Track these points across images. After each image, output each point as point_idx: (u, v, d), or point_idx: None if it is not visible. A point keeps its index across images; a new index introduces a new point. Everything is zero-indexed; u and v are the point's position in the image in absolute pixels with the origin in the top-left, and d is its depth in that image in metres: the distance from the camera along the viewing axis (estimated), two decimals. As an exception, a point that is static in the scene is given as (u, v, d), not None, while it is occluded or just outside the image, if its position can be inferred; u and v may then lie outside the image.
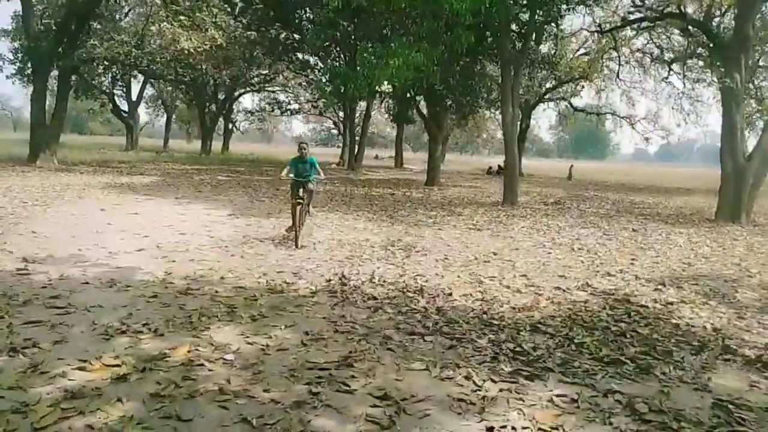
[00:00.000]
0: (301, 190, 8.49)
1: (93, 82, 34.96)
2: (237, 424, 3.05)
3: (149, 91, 47.88)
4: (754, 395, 3.73)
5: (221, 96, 42.92)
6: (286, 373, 3.75)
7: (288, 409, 3.23)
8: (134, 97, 42.07)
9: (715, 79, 19.37)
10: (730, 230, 12.77)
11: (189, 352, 4.02)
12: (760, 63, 22.54)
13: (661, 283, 7.05)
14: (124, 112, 41.82)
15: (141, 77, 39.42)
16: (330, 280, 6.40)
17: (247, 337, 4.41)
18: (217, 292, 5.66)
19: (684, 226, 13.38)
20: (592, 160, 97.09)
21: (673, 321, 5.39)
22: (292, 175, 8.58)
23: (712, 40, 16.55)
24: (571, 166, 38.64)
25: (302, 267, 7.02)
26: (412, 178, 28.49)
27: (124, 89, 41.94)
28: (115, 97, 41.23)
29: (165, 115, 51.80)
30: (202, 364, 3.81)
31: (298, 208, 8.34)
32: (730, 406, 3.49)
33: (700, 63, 23.24)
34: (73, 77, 25.32)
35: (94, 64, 26.38)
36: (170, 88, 44.28)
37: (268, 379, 3.63)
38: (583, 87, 33.95)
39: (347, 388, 3.56)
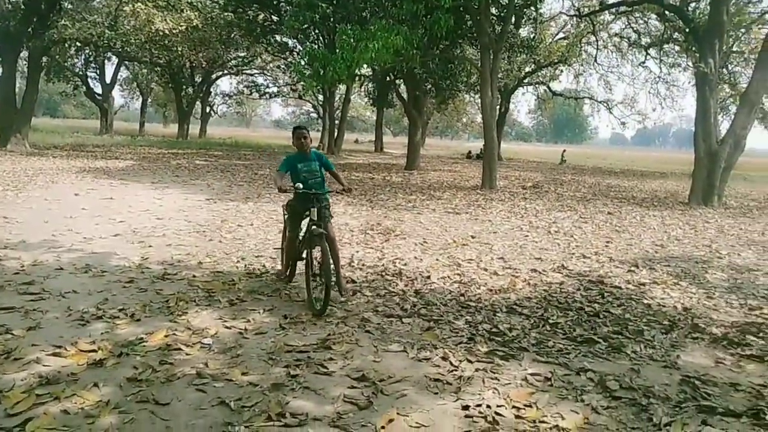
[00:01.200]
0: (311, 209, 4.82)
1: (65, 63, 34.06)
2: (215, 406, 3.06)
3: (124, 73, 46.84)
4: (720, 371, 3.85)
5: (198, 79, 42.20)
6: (264, 357, 3.76)
7: (266, 392, 3.25)
8: (108, 80, 41.16)
9: (691, 64, 19.65)
10: (702, 213, 13.06)
11: (166, 336, 4.01)
12: (734, 49, 22.87)
13: (635, 264, 7.20)
14: (98, 94, 40.90)
15: (115, 59, 38.51)
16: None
17: (225, 321, 4.41)
18: (194, 276, 5.63)
19: (658, 209, 13.63)
20: (571, 145, 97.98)
21: (645, 301, 5.52)
22: (299, 185, 4.90)
23: (688, 26, 16.72)
24: (564, 150, 38.94)
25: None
26: (392, 162, 28.47)
27: (98, 71, 40.95)
28: (89, 80, 40.28)
29: (140, 98, 50.73)
30: (179, 349, 3.80)
31: (316, 244, 4.76)
32: (697, 382, 3.61)
33: (677, 48, 23.47)
34: (44, 59, 24.57)
35: (66, 45, 25.67)
36: (145, 71, 43.38)
37: (247, 363, 3.65)
38: (561, 71, 34.16)
39: (325, 370, 3.59)
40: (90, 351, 3.69)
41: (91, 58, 37.51)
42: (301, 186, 4.88)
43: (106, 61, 39.44)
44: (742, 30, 20.74)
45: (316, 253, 4.80)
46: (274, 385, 3.33)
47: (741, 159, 15.92)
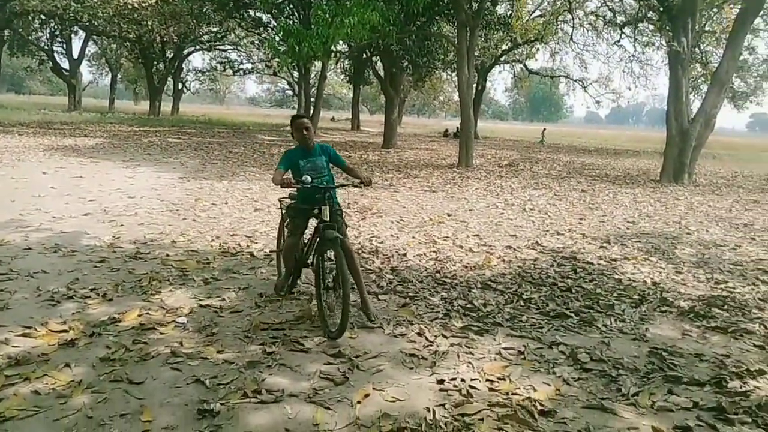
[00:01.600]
0: (322, 208, 3.87)
1: (29, 37, 32.85)
2: (190, 384, 3.05)
3: (92, 48, 45.49)
4: (686, 343, 3.98)
5: (169, 54, 41.15)
6: (239, 335, 3.75)
7: (242, 369, 3.25)
8: (76, 55, 39.82)
9: (664, 43, 19.84)
10: (673, 190, 13.33)
11: (139, 316, 3.97)
12: (706, 28, 23.13)
13: (607, 240, 7.34)
14: (65, 70, 39.59)
15: (82, 33, 37.28)
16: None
17: (200, 300, 4.37)
18: (168, 255, 5.56)
19: (630, 186, 13.87)
20: (547, 123, 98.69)
21: (616, 276, 5.64)
22: (307, 177, 3.96)
23: (662, 4, 16.83)
24: (544, 129, 39.11)
25: (256, 230, 6.96)
26: (368, 140, 28.34)
27: (65, 46, 39.61)
28: (55, 55, 38.95)
29: (110, 74, 49.33)
30: (153, 328, 3.77)
31: (329, 249, 3.83)
32: (664, 354, 3.72)
33: (651, 27, 23.64)
34: (6, 32, 23.67)
35: (30, 17, 24.75)
36: (114, 46, 42.17)
37: (222, 341, 3.63)
38: (537, 49, 34.19)
39: (301, 347, 3.60)
40: (61, 331, 3.63)
41: (57, 32, 36.26)
42: (309, 179, 3.91)
43: (72, 35, 38.13)
44: (714, 9, 20.96)
45: (325, 261, 3.90)
46: (249, 362, 3.33)
47: (711, 138, 16.23)
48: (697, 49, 22.74)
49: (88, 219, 7.04)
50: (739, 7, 14.78)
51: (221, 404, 2.83)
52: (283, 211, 4.50)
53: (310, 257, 4.18)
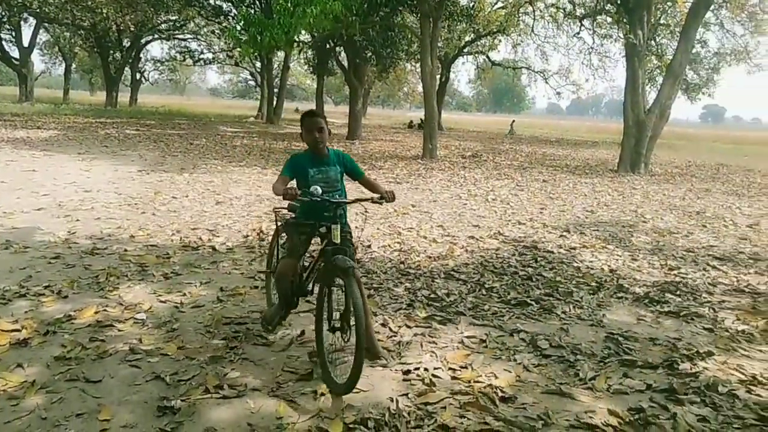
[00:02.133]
0: (332, 227, 3.14)
1: (-26, 24, 31.33)
2: (150, 382, 2.99)
3: (44, 36, 43.53)
4: (641, 328, 4.11)
5: (126, 43, 39.86)
6: (201, 330, 3.70)
7: (204, 365, 3.20)
8: (26, 43, 38.16)
9: (621, 36, 20.30)
10: (629, 180, 13.72)
11: (96, 313, 3.86)
12: (661, 21, 23.76)
13: (566, 229, 7.51)
14: (15, 59, 37.87)
15: (33, 20, 35.72)
16: (247, 236, 6.30)
17: (160, 295, 4.29)
18: (126, 250, 5.43)
19: (589, 176, 14.21)
20: (509, 114, 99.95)
21: (575, 264, 5.79)
22: (317, 188, 3.15)
23: (619, -3, 17.25)
24: (513, 121, 39.53)
25: (218, 224, 6.85)
26: (333, 131, 28.12)
27: (13, 34, 37.88)
28: (3, 43, 37.22)
29: (63, 64, 47.47)
30: (111, 325, 3.68)
31: (337, 278, 3.10)
32: (620, 339, 3.84)
33: (609, 20, 24.14)
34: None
35: (-26, 3, 23.60)
36: (68, 34, 40.52)
37: (183, 336, 3.58)
38: (500, 41, 34.46)
39: (265, 341, 3.57)
40: (12, 330, 3.50)
41: (5, 19, 34.64)
42: (320, 190, 3.13)
43: (22, 22, 36.51)
44: (669, 3, 21.56)
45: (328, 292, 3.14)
46: (211, 357, 3.29)
47: (666, 128, 16.76)
48: (652, 42, 23.35)
49: (41, 214, 6.80)
50: (692, 1, 15.22)
51: (182, 401, 2.79)
52: (279, 225, 3.70)
53: (310, 284, 3.45)
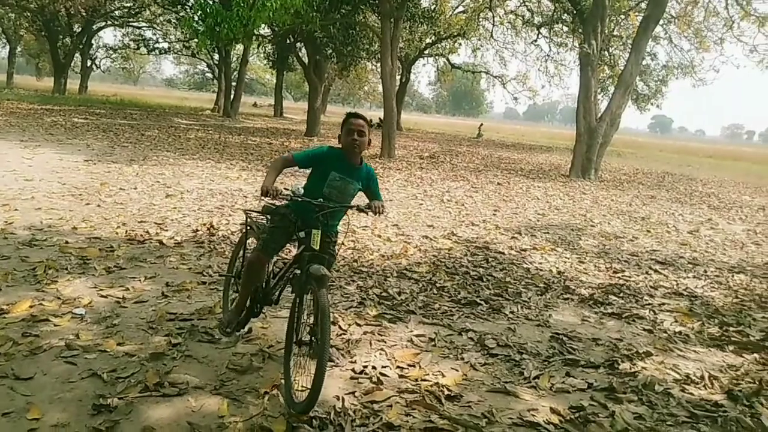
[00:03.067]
0: (314, 232, 2.92)
1: None
2: (85, 379, 2.87)
3: (-15, 16, 41.39)
4: (584, 328, 4.23)
5: (77, 29, 38.29)
6: (143, 326, 3.58)
7: (144, 362, 3.10)
8: (-34, 23, 36.23)
9: (576, 45, 20.90)
10: (580, 185, 14.12)
11: (31, 307, 3.68)
12: (615, 33, 24.57)
13: (518, 231, 7.66)
14: (-46, 39, 35.91)
15: (-27, -1, 33.87)
16: (197, 231, 6.14)
17: (101, 290, 4.12)
18: (67, 242, 5.20)
19: (542, 180, 14.54)
20: (468, 118, 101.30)
21: (525, 265, 5.90)
22: (299, 189, 3.04)
23: (575, 7, 17.74)
24: (481, 124, 39.93)
25: (167, 217, 6.65)
26: (291, 127, 27.87)
27: (-48, 12, 35.89)
28: (-59, 22, 35.22)
29: (7, 47, 45.22)
30: (46, 320, 3.51)
31: (310, 290, 2.84)
32: (565, 339, 3.94)
33: (565, 29, 24.83)
34: None
35: None
36: (12, 15, 38.60)
37: (123, 332, 3.45)
38: (460, 44, 34.90)
39: (210, 338, 3.49)
40: (-63, 325, 3.30)
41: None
42: (301, 190, 2.99)
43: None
44: (622, 15, 22.31)
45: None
46: (153, 354, 3.18)
47: (616, 136, 17.34)
48: (606, 52, 24.11)
49: (-25, 203, 6.45)
50: (643, 15, 15.80)
51: (119, 399, 2.69)
52: (248, 229, 3.48)
53: (276, 293, 3.22)
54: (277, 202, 3.09)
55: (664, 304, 5.00)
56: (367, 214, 3.07)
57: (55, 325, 3.46)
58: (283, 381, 2.86)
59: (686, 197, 13.57)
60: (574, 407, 2.97)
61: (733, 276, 6.21)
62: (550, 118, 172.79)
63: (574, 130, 16.70)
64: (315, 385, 2.57)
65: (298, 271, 2.98)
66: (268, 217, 3.25)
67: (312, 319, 2.84)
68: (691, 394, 3.25)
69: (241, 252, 3.54)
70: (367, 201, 3.21)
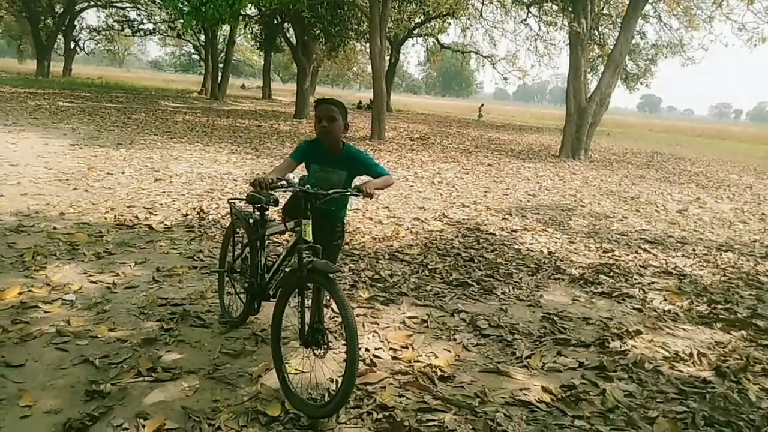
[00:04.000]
0: (304, 223, 2.69)
1: None
2: (77, 365, 2.86)
3: (-36, -3, 40.36)
4: (575, 308, 4.27)
5: (59, 9, 37.49)
6: (134, 311, 3.56)
7: (136, 347, 3.09)
8: (-56, 4, 35.33)
9: (566, 24, 20.76)
10: (570, 165, 14.15)
11: (20, 293, 3.65)
12: (604, 11, 24.44)
13: (509, 212, 7.68)
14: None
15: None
16: (187, 215, 6.10)
17: (91, 275, 4.09)
18: (55, 228, 5.14)
19: (532, 161, 14.55)
20: (458, 98, 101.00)
21: (516, 246, 5.92)
22: (294, 178, 2.85)
23: (565, -14, 17.61)
24: (481, 105, 39.70)
25: (156, 201, 6.60)
26: (280, 109, 27.62)
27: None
28: None
29: (-13, 29, 44.29)
30: (36, 306, 3.48)
31: (309, 285, 2.72)
32: (556, 318, 3.97)
33: (554, 7, 24.64)
34: None
35: None
36: (-8, -5, 37.70)
37: (114, 318, 3.43)
38: (449, 24, 34.57)
39: (202, 323, 3.48)
40: (-76, 313, 3.26)
41: None
42: (295, 179, 2.85)
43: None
44: (612, -6, 22.20)
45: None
46: (145, 340, 3.17)
47: (605, 116, 17.36)
48: (595, 31, 24.02)
49: (-40, 189, 6.35)
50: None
51: (112, 384, 2.68)
52: (234, 219, 3.37)
53: (272, 287, 3.08)
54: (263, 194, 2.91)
55: (653, 282, 5.05)
56: (359, 197, 2.88)
57: (45, 312, 3.43)
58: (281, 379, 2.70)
59: (675, 176, 13.66)
60: (565, 386, 3.01)
61: (721, 254, 6.28)
62: (540, 99, 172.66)
63: (564, 110, 16.69)
64: (345, 386, 2.43)
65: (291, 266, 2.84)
66: (255, 206, 3.09)
67: (308, 315, 2.74)
68: (680, 371, 3.30)
69: (230, 245, 3.47)
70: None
